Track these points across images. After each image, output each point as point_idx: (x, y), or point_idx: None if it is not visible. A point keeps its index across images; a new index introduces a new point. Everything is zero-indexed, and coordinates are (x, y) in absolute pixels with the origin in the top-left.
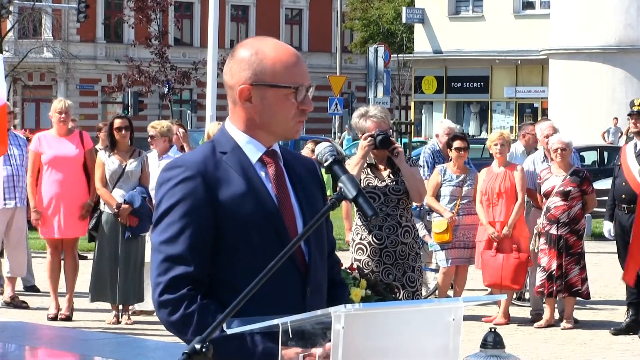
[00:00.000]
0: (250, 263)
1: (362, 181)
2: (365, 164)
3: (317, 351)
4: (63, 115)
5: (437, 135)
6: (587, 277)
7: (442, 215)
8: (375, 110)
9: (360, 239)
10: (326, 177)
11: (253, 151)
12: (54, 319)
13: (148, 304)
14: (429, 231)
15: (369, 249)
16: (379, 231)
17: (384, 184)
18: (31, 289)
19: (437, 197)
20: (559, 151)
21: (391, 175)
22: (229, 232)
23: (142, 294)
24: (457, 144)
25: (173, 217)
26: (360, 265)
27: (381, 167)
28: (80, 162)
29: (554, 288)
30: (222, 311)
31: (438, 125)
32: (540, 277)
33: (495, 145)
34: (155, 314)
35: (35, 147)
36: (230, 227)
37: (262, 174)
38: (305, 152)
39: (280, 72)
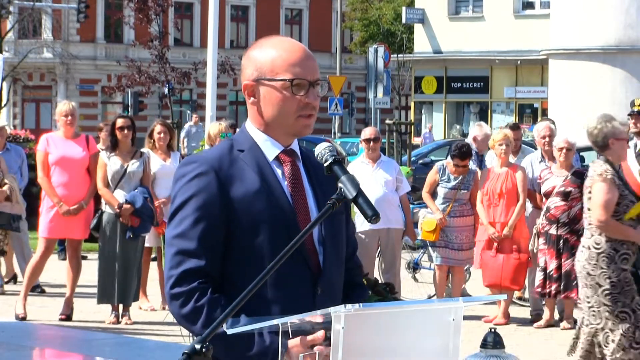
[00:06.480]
0: (260, 262)
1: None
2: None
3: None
4: (69, 117)
5: (474, 139)
6: None
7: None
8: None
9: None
10: None
11: (270, 149)
12: (23, 319)
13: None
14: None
15: None
16: None
17: None
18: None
19: (434, 194)
20: (564, 150)
21: None
22: (240, 230)
23: (138, 295)
24: (456, 162)
25: (186, 212)
26: None
27: None
28: (86, 165)
29: (553, 288)
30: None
31: (475, 129)
32: (539, 277)
33: (500, 145)
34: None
35: (43, 147)
36: (241, 224)
37: (279, 173)
38: None
39: (278, 66)
